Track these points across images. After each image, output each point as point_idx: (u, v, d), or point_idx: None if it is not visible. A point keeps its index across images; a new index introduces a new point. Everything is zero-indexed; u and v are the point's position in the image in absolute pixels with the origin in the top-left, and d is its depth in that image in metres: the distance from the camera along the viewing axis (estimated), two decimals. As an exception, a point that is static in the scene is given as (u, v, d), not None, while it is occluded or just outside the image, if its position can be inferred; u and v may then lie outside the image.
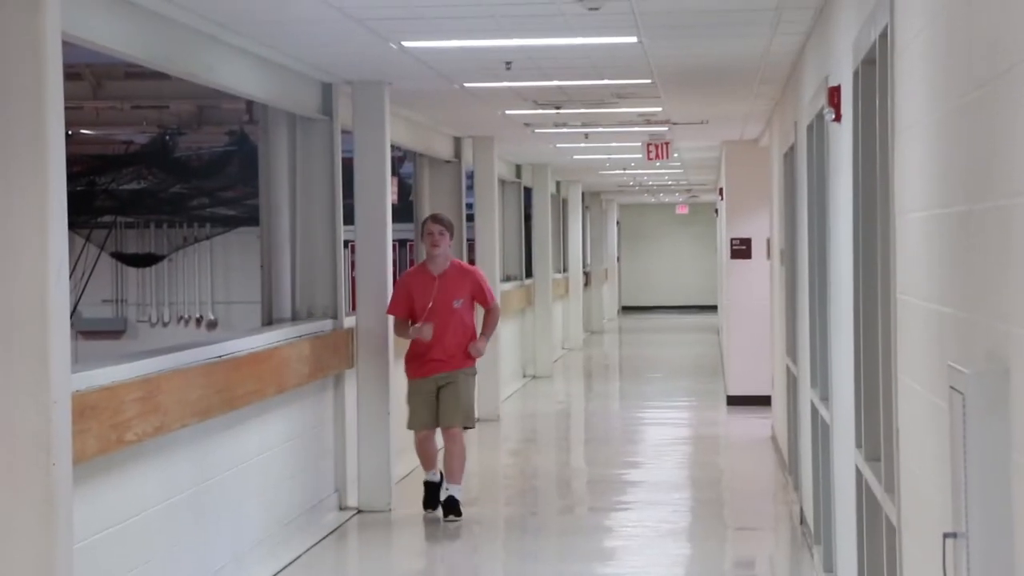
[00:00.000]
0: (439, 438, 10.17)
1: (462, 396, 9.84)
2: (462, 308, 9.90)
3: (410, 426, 10.02)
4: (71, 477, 5.31)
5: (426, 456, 10.11)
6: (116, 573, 6.40)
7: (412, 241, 16.70)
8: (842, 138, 6.39)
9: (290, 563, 8.61)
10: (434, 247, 9.94)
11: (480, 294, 10.03)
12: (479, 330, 10.14)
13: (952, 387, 3.14)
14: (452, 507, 9.85)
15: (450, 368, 9.84)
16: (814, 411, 8.34)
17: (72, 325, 5.54)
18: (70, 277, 5.33)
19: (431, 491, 10.08)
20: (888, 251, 4.77)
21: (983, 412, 2.95)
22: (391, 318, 10.10)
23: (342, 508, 10.18)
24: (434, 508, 9.99)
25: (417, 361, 9.92)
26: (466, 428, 9.97)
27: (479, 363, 10.21)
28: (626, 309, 39.66)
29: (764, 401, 15.15)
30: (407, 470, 11.80)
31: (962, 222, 3.46)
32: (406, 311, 9.91)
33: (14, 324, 5.16)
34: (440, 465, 10.11)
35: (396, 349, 10.45)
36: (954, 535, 3.08)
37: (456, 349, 9.86)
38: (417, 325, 9.82)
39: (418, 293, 9.86)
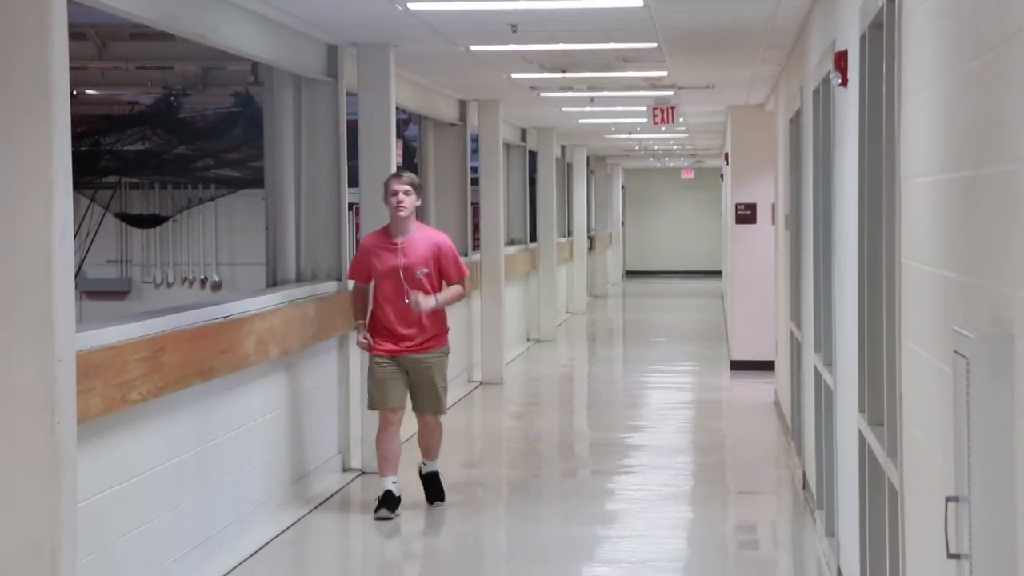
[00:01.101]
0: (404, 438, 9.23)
1: (437, 381, 8.95)
2: (428, 279, 8.83)
3: (371, 406, 8.95)
4: (75, 436, 5.33)
5: (386, 451, 8.89)
6: (120, 532, 6.43)
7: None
8: (848, 103, 6.38)
9: (293, 524, 8.64)
10: (398, 208, 8.83)
11: (448, 266, 8.89)
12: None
13: (956, 351, 3.15)
14: (435, 486, 9.14)
15: (420, 350, 8.85)
16: (817, 376, 8.35)
17: (76, 285, 5.55)
18: (75, 237, 5.33)
19: (387, 501, 8.83)
20: (893, 216, 4.76)
21: (987, 376, 2.95)
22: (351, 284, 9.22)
23: (345, 470, 10.20)
24: (392, 508, 8.80)
25: (381, 336, 8.87)
26: (439, 414, 9.11)
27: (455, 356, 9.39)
28: (630, 274, 39.66)
29: (767, 366, 15.16)
30: (409, 432, 11.82)
31: (967, 187, 3.46)
32: (365, 276, 8.98)
33: (19, 283, 5.16)
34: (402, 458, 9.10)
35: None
36: (956, 499, 3.09)
37: (424, 322, 8.84)
38: (413, 296, 8.75)
39: (379, 260, 8.87)
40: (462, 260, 9.08)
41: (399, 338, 8.83)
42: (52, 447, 5.16)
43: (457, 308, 15.04)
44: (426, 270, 8.82)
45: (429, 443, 9.16)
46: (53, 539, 5.17)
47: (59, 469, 5.18)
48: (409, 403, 9.06)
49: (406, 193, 8.84)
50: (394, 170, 10.63)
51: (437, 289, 8.87)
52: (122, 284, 23.29)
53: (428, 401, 8.99)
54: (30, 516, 5.15)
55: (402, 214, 8.84)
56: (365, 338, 8.85)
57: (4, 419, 5.15)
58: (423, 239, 8.92)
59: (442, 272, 8.89)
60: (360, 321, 8.93)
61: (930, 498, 3.92)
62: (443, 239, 9.04)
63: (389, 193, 8.87)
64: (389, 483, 8.86)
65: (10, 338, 5.15)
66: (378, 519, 8.75)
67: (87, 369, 5.79)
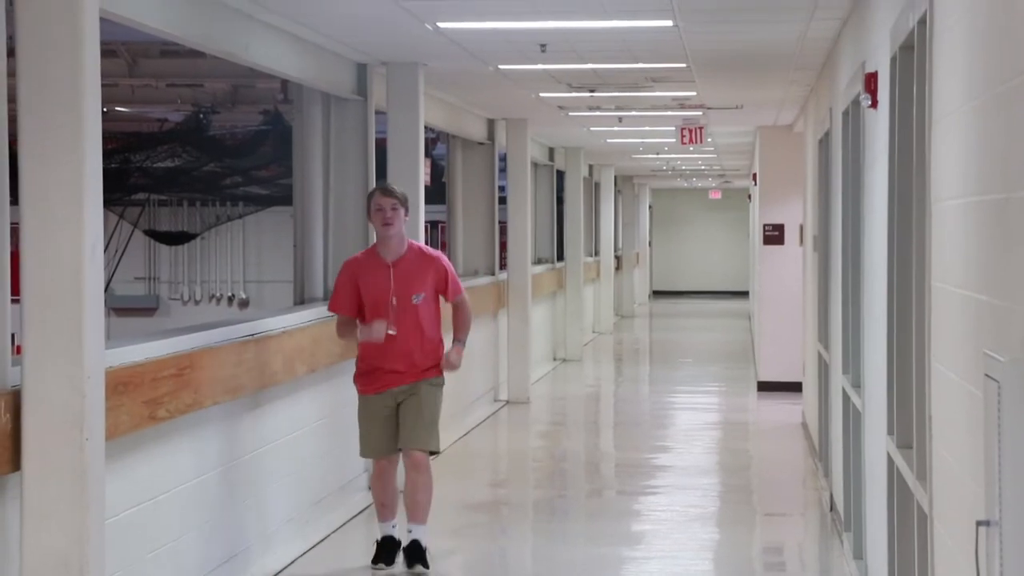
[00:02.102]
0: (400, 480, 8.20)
1: (425, 411, 7.82)
2: (424, 304, 7.82)
3: (364, 453, 8.03)
4: (104, 453, 5.34)
5: (384, 497, 8.03)
6: (147, 549, 6.44)
7: (444, 223, 16.69)
8: (878, 125, 6.36)
9: (319, 542, 8.64)
10: (386, 226, 7.77)
11: (443, 283, 7.93)
12: (447, 334, 8.10)
13: (987, 375, 3.13)
14: (417, 554, 7.88)
15: (411, 379, 7.82)
16: (846, 398, 8.32)
17: (105, 302, 5.56)
18: (104, 254, 5.35)
19: (386, 548, 8.04)
20: (923, 238, 4.75)
21: (1018, 400, 2.93)
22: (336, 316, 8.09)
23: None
24: (388, 563, 7.98)
25: (369, 373, 7.88)
26: (432, 453, 7.94)
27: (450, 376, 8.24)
28: (657, 294, 39.61)
29: (795, 387, 15.11)
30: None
31: (999, 210, 3.44)
32: (353, 308, 7.86)
33: (49, 300, 5.18)
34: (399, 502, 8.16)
35: (346, 352, 8.88)
36: (987, 523, 3.07)
37: (418, 356, 7.82)
38: (367, 325, 7.79)
39: (368, 286, 7.81)
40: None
41: (393, 375, 7.82)
42: (81, 463, 5.18)
43: (484, 326, 15.06)
44: (422, 295, 7.82)
45: (417, 496, 7.87)
46: (81, 554, 5.18)
47: (87, 485, 5.19)
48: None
49: (393, 209, 7.78)
50: (421, 189, 10.64)
51: (435, 314, 7.93)
52: (150, 301, 23.38)
53: (417, 433, 7.81)
54: (58, 531, 5.17)
55: (391, 232, 7.79)
56: (371, 326, 7.77)
57: (34, 434, 5.17)
58: (416, 259, 7.91)
59: (438, 290, 7.95)
60: (362, 327, 7.85)
61: (960, 522, 3.90)
62: (438, 255, 8.02)
63: (374, 209, 7.80)
64: (389, 528, 8.04)
65: (40, 354, 5.17)
66: (375, 569, 7.96)
67: (116, 386, 5.81)
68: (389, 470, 7.99)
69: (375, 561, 7.98)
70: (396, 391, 7.83)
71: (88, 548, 5.19)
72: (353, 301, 7.84)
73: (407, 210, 7.89)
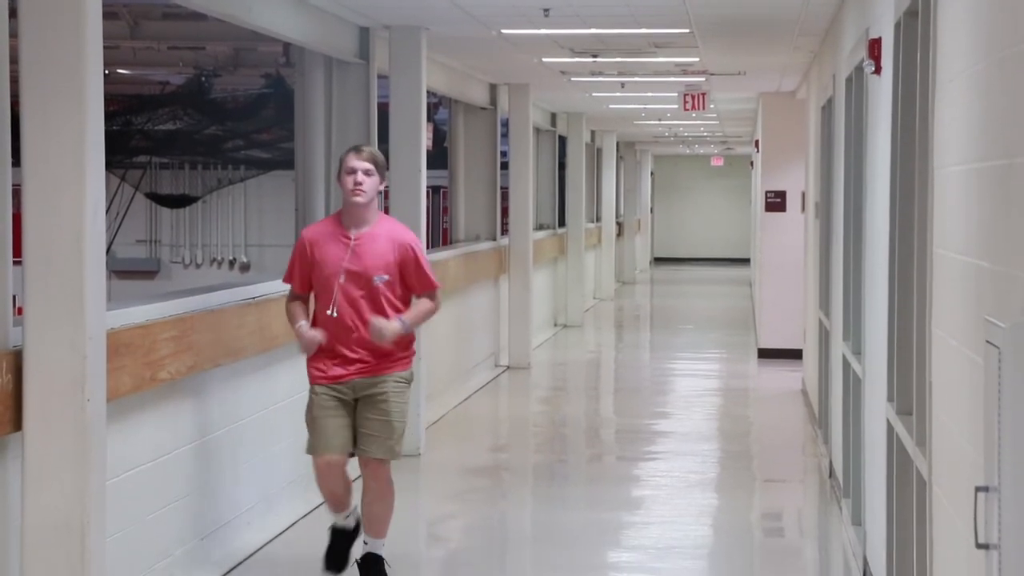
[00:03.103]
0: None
1: (393, 414, 6.68)
2: (389, 289, 6.66)
3: (311, 449, 6.76)
4: (105, 414, 5.36)
5: (335, 490, 6.84)
6: (148, 510, 6.46)
7: (446, 188, 16.67)
8: (882, 91, 6.35)
9: (320, 504, 8.66)
10: (356, 192, 6.63)
11: (411, 273, 6.71)
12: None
13: (988, 341, 3.13)
14: (374, 569, 6.81)
15: (373, 372, 6.67)
16: (846, 364, 8.33)
17: (106, 265, 5.56)
18: (105, 216, 5.35)
19: (339, 541, 6.97)
20: (926, 204, 4.75)
21: (1019, 366, 2.94)
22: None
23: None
24: (339, 570, 6.94)
25: (324, 359, 6.69)
26: (392, 458, 6.81)
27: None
28: (658, 260, 39.60)
29: (795, 354, 15.13)
30: (438, 415, 11.85)
31: (1002, 176, 3.44)
32: (305, 283, 6.78)
33: (51, 262, 5.19)
34: (356, 507, 6.99)
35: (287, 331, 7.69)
36: (986, 489, 3.08)
37: (380, 344, 6.65)
38: (302, 324, 6.70)
39: (326, 258, 6.67)
40: (431, 265, 6.93)
41: (353, 364, 6.67)
42: (82, 424, 5.19)
43: (485, 291, 15.06)
44: (386, 277, 6.64)
45: (375, 509, 6.81)
46: (82, 515, 5.20)
47: (89, 446, 5.20)
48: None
49: (367, 173, 6.64)
50: (423, 153, 10.62)
51: (402, 302, 6.72)
52: (151, 264, 23.37)
53: (377, 440, 6.69)
54: (60, 491, 5.18)
55: (359, 199, 6.63)
56: (311, 331, 6.69)
57: (35, 395, 5.18)
58: (385, 235, 6.71)
59: (404, 280, 6.71)
60: (301, 321, 6.75)
61: (959, 488, 3.91)
62: (411, 238, 6.80)
63: (345, 171, 6.68)
64: (339, 518, 6.95)
65: (41, 315, 5.18)
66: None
67: (117, 347, 5.82)
68: (339, 466, 6.74)
69: (327, 565, 6.93)
70: (356, 383, 6.67)
71: (89, 508, 5.21)
72: (305, 276, 6.74)
73: (383, 177, 6.72)
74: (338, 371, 6.67)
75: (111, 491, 5.58)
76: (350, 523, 6.95)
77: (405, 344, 6.74)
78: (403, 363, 6.75)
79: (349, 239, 6.67)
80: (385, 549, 6.86)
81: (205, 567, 7.03)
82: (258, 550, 7.60)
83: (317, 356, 6.70)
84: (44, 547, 5.20)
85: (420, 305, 6.77)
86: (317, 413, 6.70)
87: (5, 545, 5.19)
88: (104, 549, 5.36)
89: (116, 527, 5.89)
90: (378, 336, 6.56)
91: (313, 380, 6.73)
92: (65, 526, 5.19)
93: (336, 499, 6.88)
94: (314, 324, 6.73)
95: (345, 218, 6.73)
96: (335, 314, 6.61)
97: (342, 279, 6.61)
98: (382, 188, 6.73)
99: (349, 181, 6.65)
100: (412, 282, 6.73)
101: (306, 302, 6.82)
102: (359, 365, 6.67)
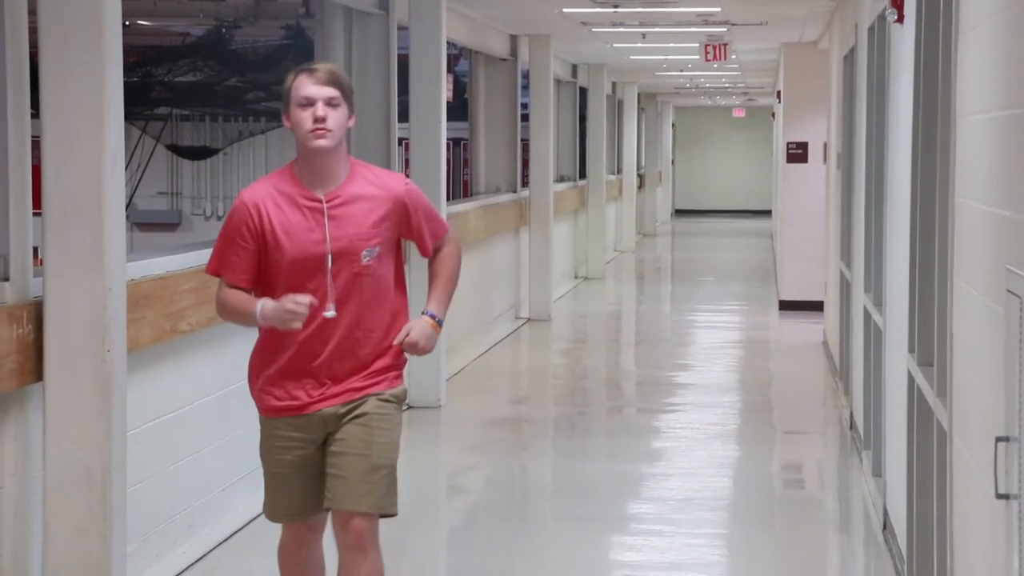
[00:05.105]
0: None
1: (376, 448, 4.57)
2: (380, 263, 4.59)
3: (273, 514, 4.73)
4: (126, 364, 5.37)
5: (306, 573, 4.79)
6: (168, 461, 6.48)
7: (467, 140, 16.63)
8: (904, 39, 6.30)
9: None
10: (318, 133, 4.53)
11: (416, 225, 4.69)
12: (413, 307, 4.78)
13: (1009, 291, 3.12)
14: None
15: (353, 393, 4.59)
16: (867, 316, 8.31)
17: (127, 216, 5.57)
18: (126, 168, 5.35)
19: None
20: (948, 154, 4.72)
21: (1040, 316, 2.92)
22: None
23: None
24: None
25: (280, 380, 4.62)
26: (383, 516, 4.60)
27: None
28: (679, 212, 39.53)
29: (816, 306, 15.10)
30: (458, 367, 11.87)
31: (1025, 124, 3.41)
32: (248, 273, 4.58)
33: (71, 213, 5.20)
34: None
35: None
36: (1007, 439, 3.07)
37: (366, 351, 4.61)
38: (277, 302, 4.47)
39: (284, 235, 4.54)
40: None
41: (323, 384, 4.59)
42: (103, 374, 5.21)
43: (505, 243, 15.04)
44: (377, 247, 4.57)
45: None
46: (103, 465, 5.23)
47: (109, 396, 5.22)
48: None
49: (330, 103, 4.54)
50: (443, 105, 10.56)
51: (397, 279, 4.70)
52: (172, 216, 23.40)
53: (361, 487, 4.55)
54: (81, 442, 5.21)
55: (323, 143, 4.53)
56: (292, 309, 4.42)
57: (56, 346, 5.20)
58: (366, 188, 4.62)
59: (410, 234, 4.71)
60: (258, 300, 4.55)
61: (979, 438, 3.90)
62: (401, 182, 4.71)
63: (296, 103, 4.59)
64: None
65: (62, 266, 5.19)
66: None
67: (137, 299, 5.83)
68: (310, 539, 4.75)
69: None
70: (327, 414, 4.59)
71: (110, 459, 5.23)
72: (249, 262, 4.57)
73: (352, 108, 4.61)
74: (301, 399, 4.60)
75: (132, 442, 5.60)
76: None
77: (397, 350, 4.66)
78: (392, 377, 4.66)
79: (320, 202, 4.55)
80: None
81: (225, 518, 7.06)
82: (279, 501, 7.61)
83: (267, 376, 4.64)
84: (65, 497, 5.22)
85: (441, 275, 4.75)
86: (276, 467, 4.68)
87: (28, 495, 5.22)
88: (125, 499, 5.38)
89: (137, 477, 5.92)
90: (417, 352, 4.61)
91: (269, 411, 4.66)
92: (86, 476, 5.21)
93: None
94: (267, 345, 4.62)
95: (303, 173, 4.59)
96: (334, 314, 4.54)
97: (330, 263, 4.53)
98: (351, 124, 4.61)
99: (306, 117, 4.54)
100: (422, 235, 4.71)
101: (247, 299, 4.60)
102: (333, 387, 4.59)
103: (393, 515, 4.61)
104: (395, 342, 4.60)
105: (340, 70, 4.64)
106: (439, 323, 4.65)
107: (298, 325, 4.45)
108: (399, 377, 4.70)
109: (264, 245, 4.55)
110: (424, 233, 4.73)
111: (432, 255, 4.79)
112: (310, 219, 4.55)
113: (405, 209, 4.67)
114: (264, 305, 4.50)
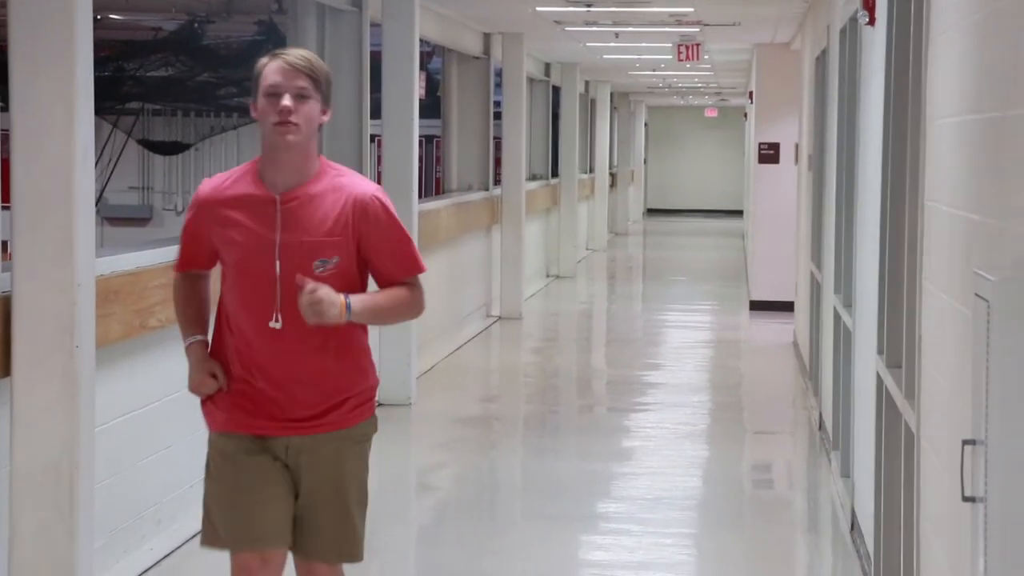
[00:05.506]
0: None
1: (345, 494, 4.14)
2: (337, 278, 4.05)
3: (211, 540, 4.19)
4: (94, 360, 5.35)
5: None
6: (137, 457, 6.46)
7: (439, 137, 16.62)
8: (875, 42, 6.32)
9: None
10: (284, 127, 4.03)
11: (380, 245, 4.11)
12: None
13: (977, 294, 3.13)
14: None
15: (311, 428, 4.11)
16: (837, 317, 8.33)
17: (98, 211, 5.55)
18: (96, 163, 5.34)
19: None
20: (918, 157, 4.73)
21: (1007, 319, 2.93)
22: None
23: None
24: None
25: (231, 395, 4.17)
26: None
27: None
28: (651, 211, 39.58)
29: (787, 307, 15.14)
30: (429, 365, 11.86)
31: (994, 128, 3.43)
32: (203, 260, 4.29)
33: (40, 207, 5.17)
34: None
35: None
36: (973, 442, 3.08)
37: (325, 381, 4.09)
38: (200, 365, 4.18)
39: (233, 233, 4.12)
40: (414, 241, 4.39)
41: (278, 407, 4.10)
42: (71, 370, 5.19)
43: (477, 241, 15.03)
44: (334, 259, 4.05)
45: None
46: (71, 461, 5.21)
47: (77, 392, 5.20)
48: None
49: (300, 95, 4.03)
50: (415, 103, 10.55)
51: (358, 289, 4.13)
52: (144, 211, 23.32)
53: (331, 535, 4.15)
54: (49, 437, 5.19)
55: (290, 137, 4.04)
56: (213, 375, 4.16)
57: (24, 341, 5.17)
58: (331, 192, 4.09)
59: (368, 252, 4.11)
60: (196, 336, 4.26)
61: (946, 441, 3.92)
62: (372, 188, 4.14)
63: (263, 92, 4.06)
64: None
65: (31, 261, 5.16)
66: None
67: (107, 294, 5.80)
68: (275, 564, 4.13)
69: None
70: (279, 443, 4.12)
71: (78, 455, 5.21)
72: (207, 252, 4.23)
73: (327, 100, 4.11)
74: (252, 419, 4.12)
75: (100, 438, 5.58)
76: None
77: (358, 364, 4.15)
78: (363, 406, 4.16)
79: (274, 203, 4.06)
80: None
81: (193, 513, 7.02)
82: (248, 497, 7.59)
83: (227, 392, 4.16)
84: (33, 493, 5.20)
85: (389, 292, 4.15)
86: (223, 485, 4.14)
87: (-6, 491, 5.19)
88: (93, 495, 5.36)
89: (105, 474, 5.90)
90: (312, 310, 3.94)
91: (214, 425, 4.22)
92: (54, 472, 5.19)
93: None
94: (221, 324, 4.20)
95: (266, 168, 4.13)
96: (279, 325, 4.04)
97: (278, 267, 4.03)
98: (325, 119, 4.11)
99: (271, 109, 4.03)
100: (382, 260, 4.12)
101: (202, 290, 4.35)
102: (298, 410, 4.09)
103: (358, 559, 4.20)
104: (297, 280, 3.96)
105: (315, 58, 4.10)
106: (348, 308, 3.98)
107: (199, 391, 4.17)
108: (371, 407, 4.19)
109: (215, 234, 4.14)
110: (386, 258, 4.11)
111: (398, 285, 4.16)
112: (261, 218, 4.06)
113: (364, 218, 4.05)
114: (190, 346, 4.20)
